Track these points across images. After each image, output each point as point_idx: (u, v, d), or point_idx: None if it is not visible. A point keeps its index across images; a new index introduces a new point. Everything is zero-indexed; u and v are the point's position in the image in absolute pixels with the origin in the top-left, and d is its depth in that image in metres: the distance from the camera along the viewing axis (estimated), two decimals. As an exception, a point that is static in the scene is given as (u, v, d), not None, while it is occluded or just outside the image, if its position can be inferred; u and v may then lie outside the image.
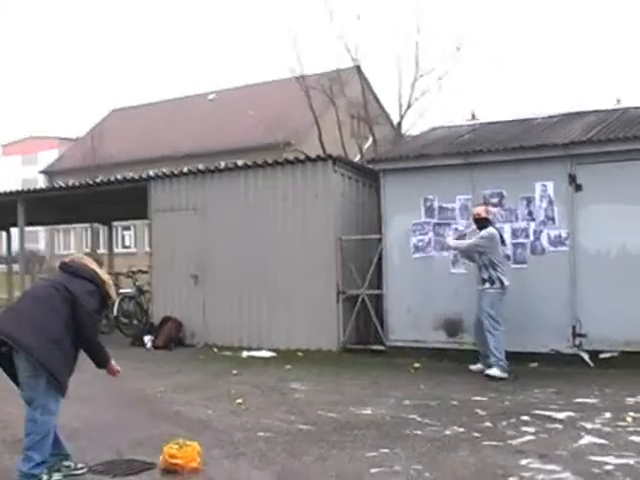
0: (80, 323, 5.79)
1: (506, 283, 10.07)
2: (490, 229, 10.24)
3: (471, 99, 49.63)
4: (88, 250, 37.53)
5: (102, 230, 27.49)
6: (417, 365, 10.93)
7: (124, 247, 40.98)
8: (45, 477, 5.70)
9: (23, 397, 5.82)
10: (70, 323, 5.77)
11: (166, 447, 6.10)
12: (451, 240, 10.98)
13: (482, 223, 10.29)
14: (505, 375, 9.80)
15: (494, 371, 9.87)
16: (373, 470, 5.94)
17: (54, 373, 5.66)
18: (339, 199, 12.78)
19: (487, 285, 10.10)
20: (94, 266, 6.09)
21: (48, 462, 5.80)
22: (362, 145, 31.02)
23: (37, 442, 5.68)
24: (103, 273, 6.14)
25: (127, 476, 5.97)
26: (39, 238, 53.22)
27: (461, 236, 10.99)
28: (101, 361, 6.08)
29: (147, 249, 18.44)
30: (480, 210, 10.43)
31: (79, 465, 6.06)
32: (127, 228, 41.44)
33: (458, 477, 5.69)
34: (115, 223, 24.12)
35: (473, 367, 10.37)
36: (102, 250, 31.45)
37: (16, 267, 22.16)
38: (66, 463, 6.00)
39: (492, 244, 10.16)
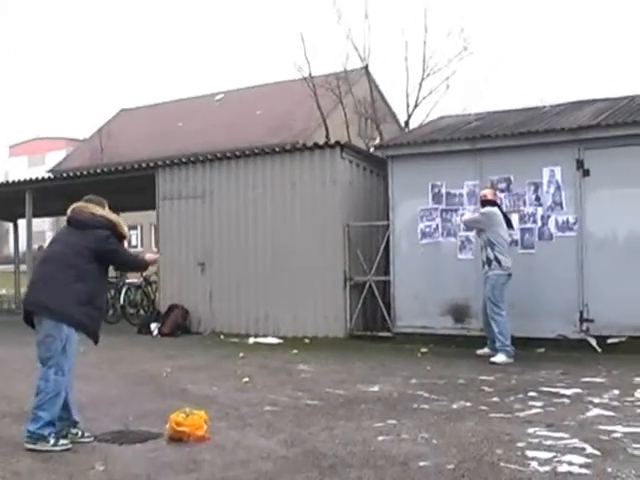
0: (117, 264, 6.52)
1: (505, 264, 10.01)
2: (491, 208, 10.24)
3: (478, 97, 49.40)
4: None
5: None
6: (424, 350, 10.92)
7: (131, 247, 41.02)
8: (52, 440, 5.70)
9: (38, 356, 5.88)
10: (88, 273, 5.89)
11: (172, 415, 6.08)
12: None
13: (487, 205, 10.27)
14: (511, 360, 9.77)
15: (499, 357, 9.83)
16: (380, 438, 5.93)
17: (89, 331, 5.96)
18: (347, 186, 12.80)
19: (486, 268, 10.10)
20: (100, 211, 6.12)
21: (57, 426, 5.82)
22: (369, 144, 31.02)
23: (47, 401, 5.72)
24: (110, 214, 6.19)
25: (134, 444, 5.94)
26: (46, 237, 53.35)
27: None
28: (142, 265, 6.82)
29: (153, 249, 18.46)
30: (487, 192, 10.42)
31: (86, 434, 6.05)
32: (133, 227, 41.49)
33: (465, 443, 5.67)
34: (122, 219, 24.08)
35: (480, 351, 10.35)
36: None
37: (23, 267, 22.19)
38: (74, 430, 5.99)
39: (490, 222, 10.14)
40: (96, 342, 6.05)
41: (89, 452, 5.71)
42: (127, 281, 16.66)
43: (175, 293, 14.30)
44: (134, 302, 16.63)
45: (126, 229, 6.25)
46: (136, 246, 41.63)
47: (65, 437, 5.88)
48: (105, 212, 6.15)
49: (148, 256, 6.66)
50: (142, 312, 16.51)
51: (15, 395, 7.69)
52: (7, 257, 44.50)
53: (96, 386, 8.29)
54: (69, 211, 6.23)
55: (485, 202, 10.30)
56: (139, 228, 41.72)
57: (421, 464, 5.17)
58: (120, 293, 16.15)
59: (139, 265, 6.76)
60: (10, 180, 17.89)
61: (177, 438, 5.95)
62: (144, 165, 14.97)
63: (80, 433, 6.01)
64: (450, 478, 4.85)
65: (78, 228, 6.06)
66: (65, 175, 17.41)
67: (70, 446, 5.75)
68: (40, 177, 17.41)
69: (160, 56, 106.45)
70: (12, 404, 7.36)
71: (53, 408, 5.72)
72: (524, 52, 68.96)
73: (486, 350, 10.28)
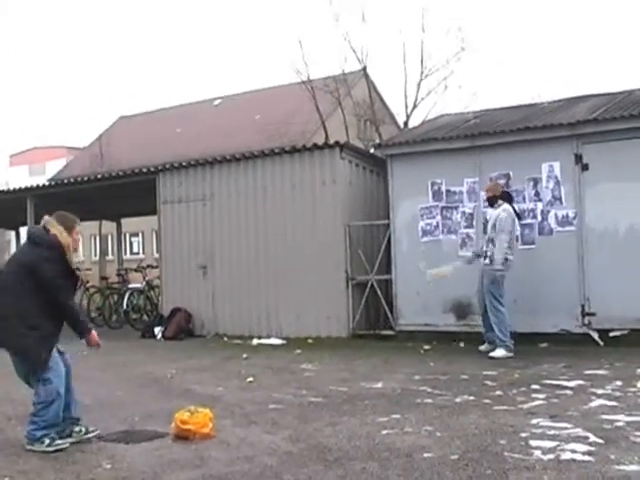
0: (47, 291, 5.79)
1: (509, 258, 10.05)
2: (506, 205, 10.22)
3: (477, 97, 49.45)
4: (97, 257, 37.73)
5: (110, 236, 27.51)
6: (427, 347, 10.96)
7: (132, 253, 41.02)
8: (47, 441, 5.76)
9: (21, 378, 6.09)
10: (37, 295, 5.79)
11: (178, 414, 6.12)
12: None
13: (499, 200, 10.25)
14: (511, 354, 9.80)
15: (499, 352, 9.87)
16: (384, 432, 5.97)
17: (24, 355, 5.86)
18: (347, 186, 12.84)
19: (487, 262, 10.13)
20: (55, 230, 5.93)
21: (58, 426, 5.89)
22: (369, 146, 31.02)
23: (41, 409, 5.81)
24: (63, 236, 5.91)
25: (140, 443, 5.98)
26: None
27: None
28: (79, 328, 6.00)
29: (156, 255, 18.51)
30: (488, 188, 10.41)
31: (90, 428, 6.09)
32: (135, 234, 41.49)
33: (469, 435, 5.71)
34: (124, 230, 24.07)
35: (482, 347, 10.39)
36: (110, 257, 31.64)
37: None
38: (77, 428, 6.04)
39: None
40: (42, 369, 5.81)
41: (95, 451, 5.76)
42: (130, 286, 16.71)
43: (178, 297, 14.34)
44: (137, 307, 16.64)
45: (74, 257, 5.99)
46: (138, 253, 41.63)
47: (70, 436, 5.95)
48: (60, 233, 5.91)
49: (93, 334, 6.06)
50: (145, 317, 16.51)
51: (20, 399, 7.67)
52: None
53: (101, 389, 8.33)
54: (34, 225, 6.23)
55: (494, 198, 10.28)
56: (141, 235, 41.68)
57: (425, 455, 5.21)
58: (123, 298, 16.19)
59: (73, 316, 5.97)
60: (11, 188, 17.89)
61: (183, 436, 5.99)
62: (145, 170, 15.01)
63: (84, 430, 6.06)
64: (454, 468, 4.89)
65: (30, 241, 6.05)
66: (66, 181, 17.44)
67: (66, 445, 5.81)
68: (41, 184, 17.43)
69: (158, 63, 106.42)
70: (17, 407, 7.38)
71: (47, 414, 5.78)
72: (520, 50, 68.86)
73: (487, 346, 10.34)
